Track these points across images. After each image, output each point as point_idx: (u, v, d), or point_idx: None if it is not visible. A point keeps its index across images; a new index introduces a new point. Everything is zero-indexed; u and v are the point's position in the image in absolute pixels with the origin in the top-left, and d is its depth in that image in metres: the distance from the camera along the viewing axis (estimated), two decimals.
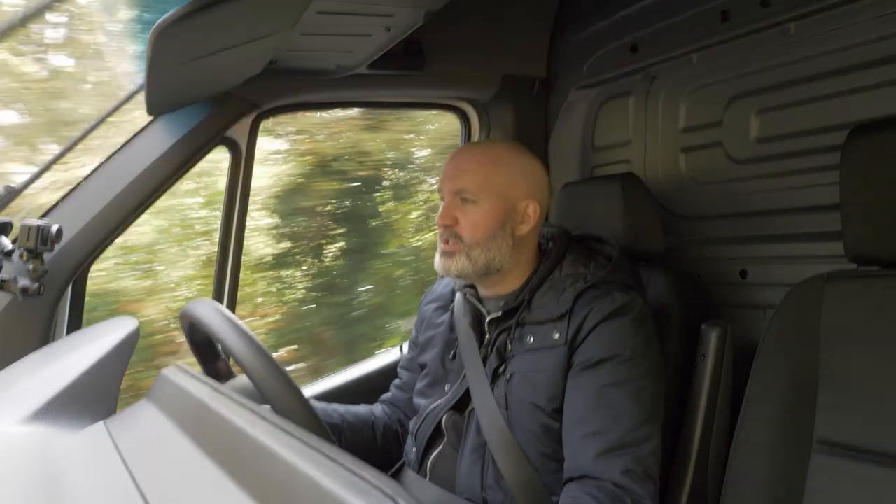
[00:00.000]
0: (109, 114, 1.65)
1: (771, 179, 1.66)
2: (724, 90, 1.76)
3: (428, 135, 3.71)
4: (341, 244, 3.59)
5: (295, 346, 3.34)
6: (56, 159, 1.60)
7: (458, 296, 1.47)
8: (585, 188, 1.79)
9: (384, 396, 1.64)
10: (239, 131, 1.83)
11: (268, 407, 0.95)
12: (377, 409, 1.59)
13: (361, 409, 1.56)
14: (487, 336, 1.38)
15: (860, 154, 1.18)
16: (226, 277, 1.86)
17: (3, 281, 1.48)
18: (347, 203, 3.56)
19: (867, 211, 1.16)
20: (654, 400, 1.24)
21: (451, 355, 1.43)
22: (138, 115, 1.70)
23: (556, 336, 1.27)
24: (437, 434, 1.37)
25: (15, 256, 1.50)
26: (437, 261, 1.37)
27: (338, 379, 2.03)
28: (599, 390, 1.21)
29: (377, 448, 1.51)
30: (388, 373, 1.67)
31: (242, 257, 1.89)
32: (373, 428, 1.53)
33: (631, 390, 1.21)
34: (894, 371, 1.11)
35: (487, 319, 1.38)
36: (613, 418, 1.19)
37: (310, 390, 1.95)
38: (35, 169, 1.60)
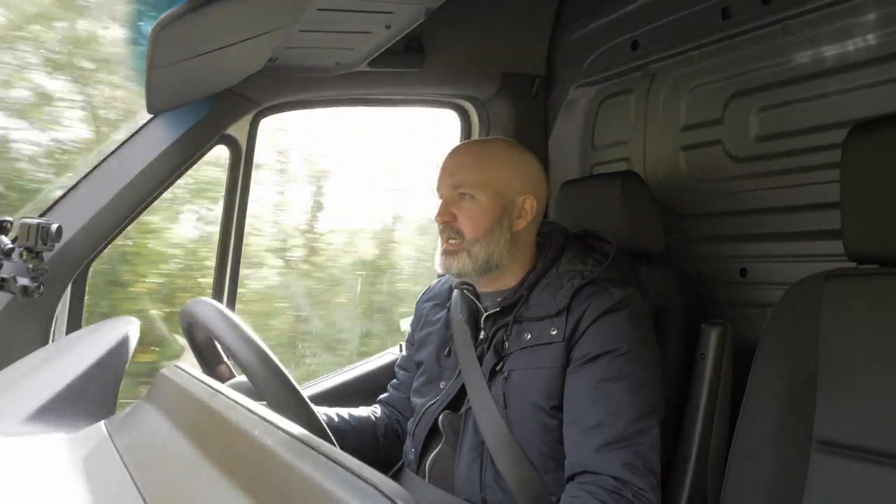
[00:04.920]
0: None
1: (771, 177, 1.66)
2: (725, 88, 1.76)
3: None
4: None
5: None
6: None
7: (456, 293, 1.47)
8: (585, 186, 1.78)
9: (382, 397, 1.63)
10: (239, 129, 1.83)
11: (267, 407, 0.95)
12: (377, 410, 1.59)
13: (362, 410, 1.55)
14: (483, 332, 1.38)
15: (860, 152, 1.17)
16: (225, 277, 1.86)
17: (2, 280, 1.47)
18: None
19: (867, 209, 1.16)
20: (654, 393, 1.25)
21: (446, 352, 1.43)
22: None
23: (554, 332, 1.27)
24: (434, 434, 1.37)
25: (15, 255, 1.49)
26: (438, 260, 1.38)
27: (337, 379, 2.03)
28: (597, 385, 1.21)
29: (379, 449, 1.51)
30: (388, 373, 1.67)
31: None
32: (374, 429, 1.52)
33: (629, 384, 1.21)
34: (894, 370, 1.11)
35: (484, 315, 1.38)
36: (612, 412, 1.19)
37: (309, 390, 1.94)
38: None
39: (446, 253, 1.36)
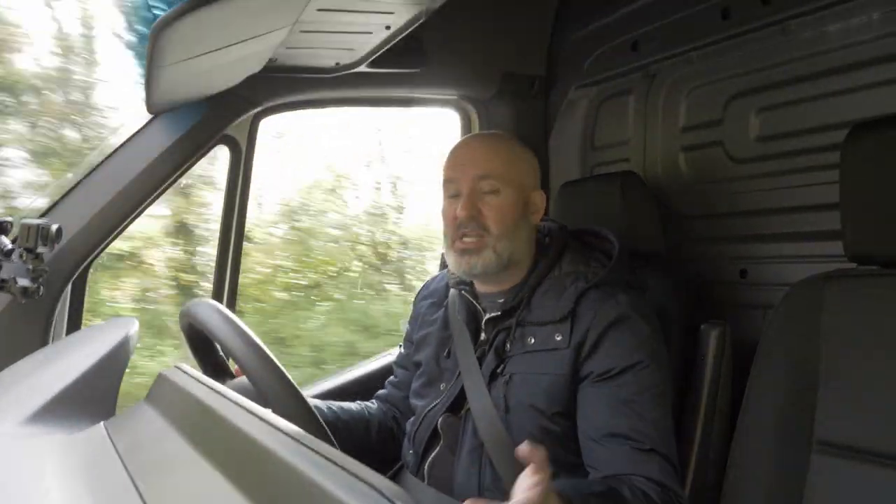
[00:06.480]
0: None
1: (771, 178, 1.66)
2: (725, 89, 1.76)
3: None
4: None
5: None
6: None
7: (453, 292, 1.43)
8: (585, 187, 1.79)
9: (380, 393, 1.61)
10: (239, 130, 1.83)
11: (268, 408, 0.94)
12: (372, 406, 1.58)
13: (355, 406, 1.54)
14: (483, 335, 1.36)
15: (860, 153, 1.18)
16: (225, 277, 1.86)
17: (2, 281, 1.47)
18: None
19: (867, 210, 1.16)
20: (670, 395, 1.26)
21: (445, 353, 1.41)
22: None
23: (559, 338, 1.25)
24: (434, 436, 1.36)
25: (14, 256, 1.50)
26: (455, 259, 1.32)
27: (338, 380, 2.03)
28: (628, 398, 1.20)
29: (372, 445, 1.50)
30: (388, 374, 1.67)
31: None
32: (367, 425, 1.51)
33: (655, 394, 1.22)
34: (894, 371, 1.11)
35: (485, 318, 1.36)
36: (644, 423, 1.18)
37: (310, 391, 1.94)
38: None
39: (467, 252, 1.30)
